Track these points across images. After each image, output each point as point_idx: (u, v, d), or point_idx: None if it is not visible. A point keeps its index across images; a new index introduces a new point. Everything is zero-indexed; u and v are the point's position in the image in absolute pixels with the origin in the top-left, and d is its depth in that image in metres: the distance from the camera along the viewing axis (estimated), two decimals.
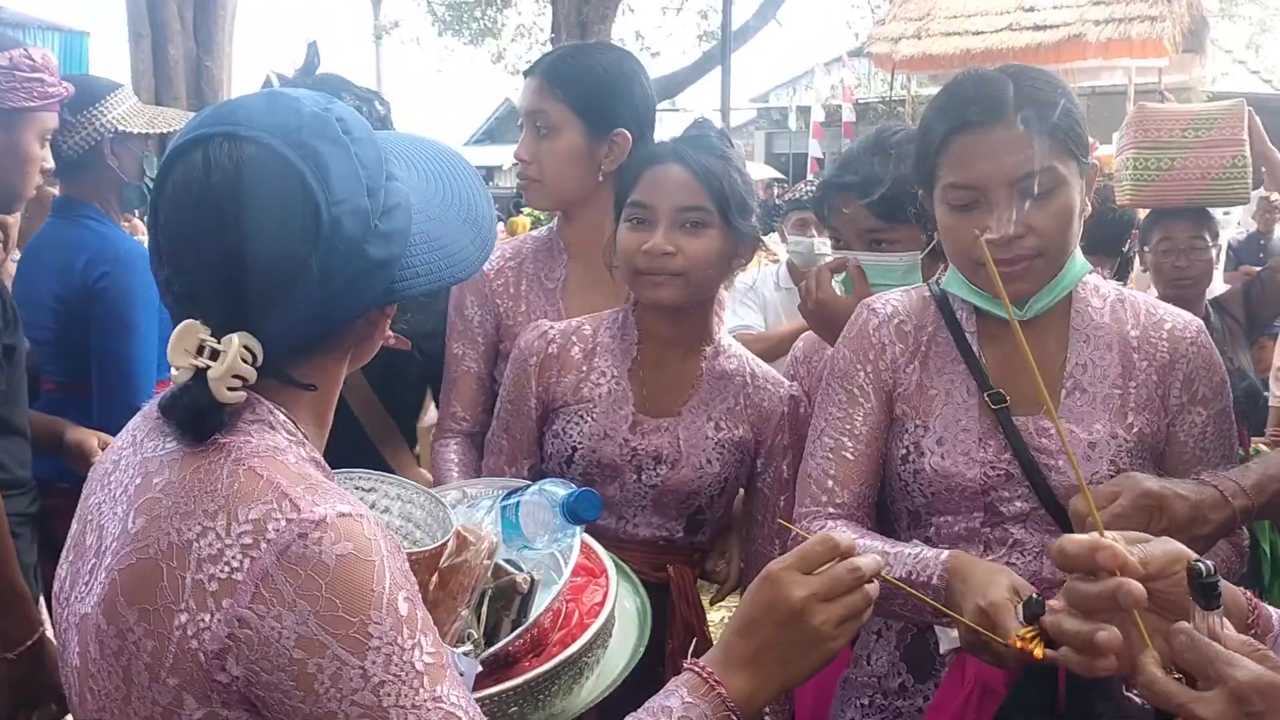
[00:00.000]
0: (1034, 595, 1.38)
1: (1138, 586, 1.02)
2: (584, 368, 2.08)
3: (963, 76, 1.76)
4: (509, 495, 1.53)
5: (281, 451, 1.09)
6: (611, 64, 2.30)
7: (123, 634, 1.04)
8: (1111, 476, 1.65)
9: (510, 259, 2.37)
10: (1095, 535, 1.07)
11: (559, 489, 1.49)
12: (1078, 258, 1.73)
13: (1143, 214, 3.95)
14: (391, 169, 1.14)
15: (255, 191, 1.04)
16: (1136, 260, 4.01)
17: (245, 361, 1.05)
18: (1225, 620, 0.99)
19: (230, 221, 1.03)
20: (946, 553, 1.57)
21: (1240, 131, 3.48)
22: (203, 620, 1.01)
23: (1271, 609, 1.13)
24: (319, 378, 1.15)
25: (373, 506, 1.52)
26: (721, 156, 2.04)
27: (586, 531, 1.79)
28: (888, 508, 1.85)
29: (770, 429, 2.11)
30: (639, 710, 1.18)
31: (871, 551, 1.49)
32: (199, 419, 1.06)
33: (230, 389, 1.05)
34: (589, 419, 2.04)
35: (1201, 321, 1.80)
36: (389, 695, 1.01)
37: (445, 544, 1.38)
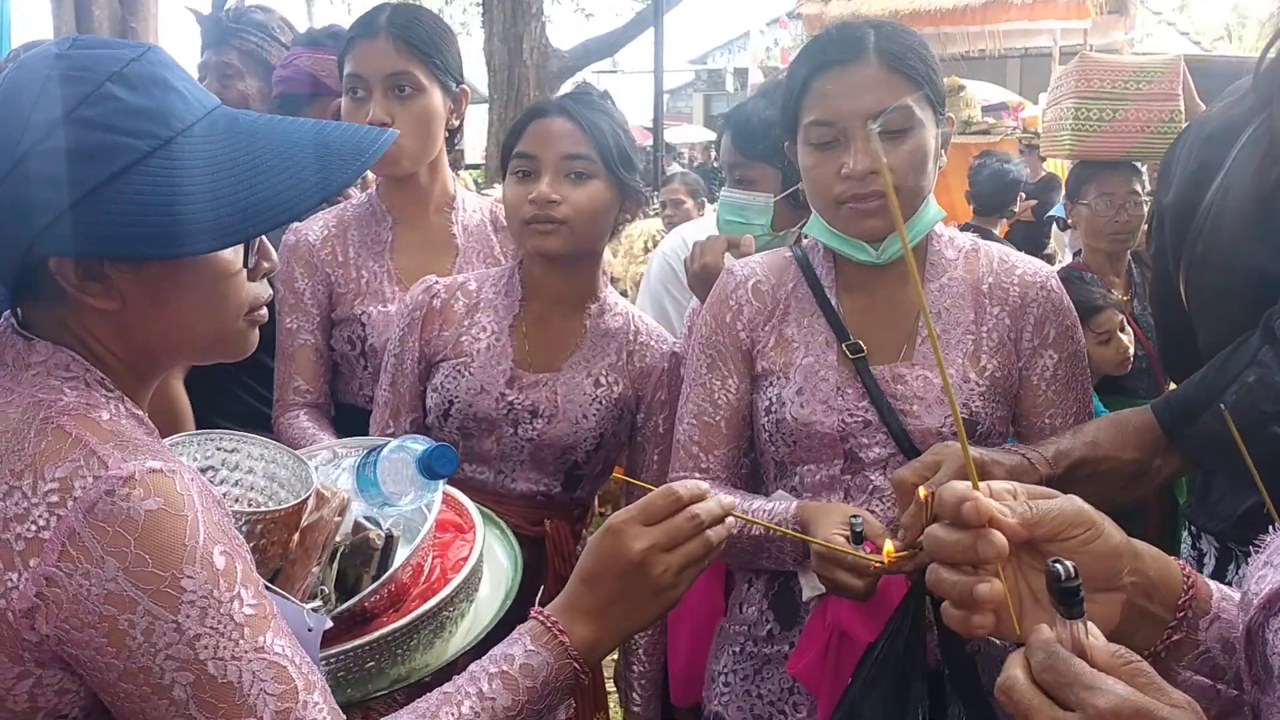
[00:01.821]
0: (852, 517, 1.46)
1: (999, 538, 0.94)
2: (465, 322, 2.09)
3: (829, 27, 1.81)
4: (369, 453, 1.53)
5: (95, 408, 1.08)
6: (438, 17, 2.32)
7: None
8: (965, 419, 1.71)
9: (335, 227, 2.36)
10: (966, 486, 0.98)
11: (418, 444, 1.49)
12: (932, 204, 1.76)
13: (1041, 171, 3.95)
14: (109, 120, 1.07)
15: None
16: (1061, 214, 4.01)
17: None
18: (1094, 629, 0.87)
19: None
20: (795, 504, 1.61)
21: (1176, 86, 3.48)
22: (10, 580, 1.00)
23: (1212, 583, 1.02)
24: (56, 330, 1.12)
25: (236, 467, 1.52)
26: (605, 112, 2.05)
27: (464, 487, 1.80)
28: (758, 460, 1.89)
29: (650, 385, 2.13)
30: (483, 659, 1.20)
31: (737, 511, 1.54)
32: None
33: None
34: (466, 373, 2.05)
35: (1052, 269, 1.86)
36: (206, 648, 1.01)
37: (305, 501, 1.38)
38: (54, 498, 1.01)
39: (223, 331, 1.19)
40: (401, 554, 1.44)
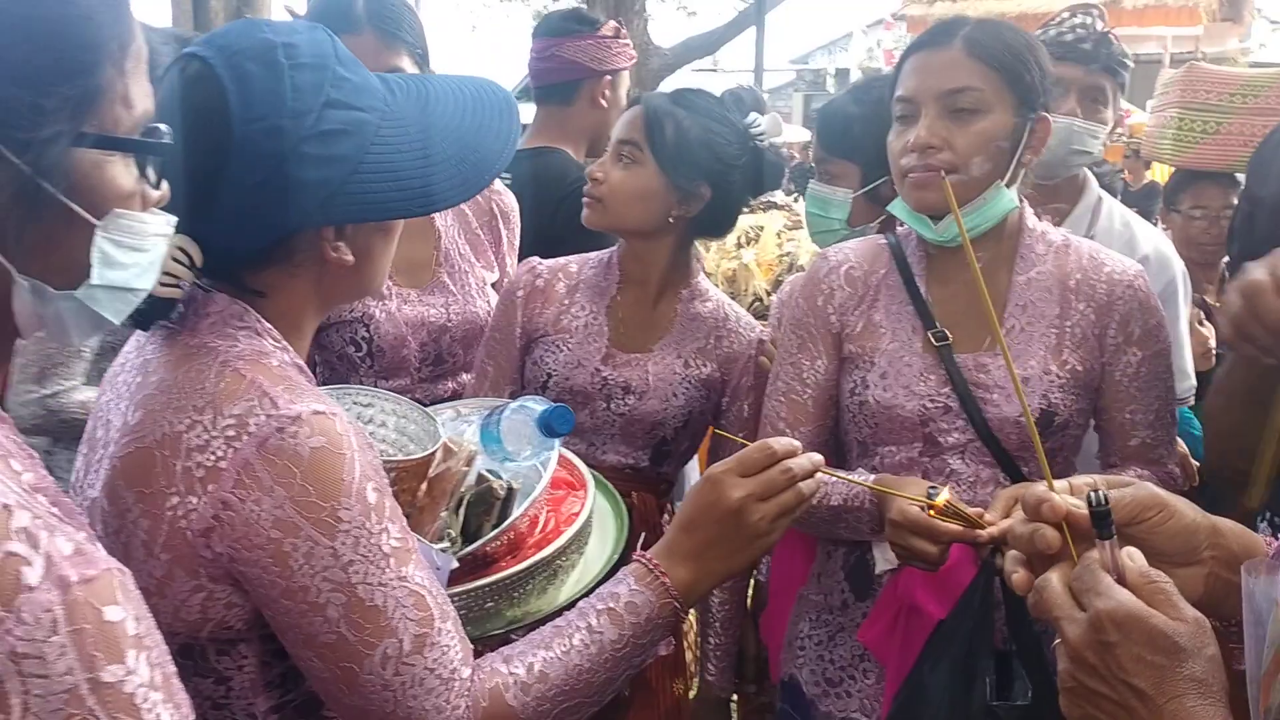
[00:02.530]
0: (930, 487, 1.56)
1: (1050, 532, 1.02)
2: (565, 301, 2.22)
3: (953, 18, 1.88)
4: (492, 412, 1.65)
5: (266, 355, 1.20)
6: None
7: (122, 514, 1.15)
8: (1043, 410, 1.78)
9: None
10: (1043, 489, 1.07)
11: (537, 405, 1.61)
12: (1005, 193, 1.80)
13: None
14: (349, 99, 1.20)
15: (185, 104, 1.13)
16: (1158, 220, 4.00)
17: (179, 262, 1.16)
18: (1134, 553, 0.97)
19: (171, 132, 1.04)
20: (873, 477, 1.69)
21: None
22: (191, 503, 1.11)
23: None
24: (269, 288, 1.24)
25: (370, 420, 1.65)
26: (691, 108, 2.15)
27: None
28: (842, 439, 1.98)
29: (736, 370, 2.24)
30: (590, 597, 1.32)
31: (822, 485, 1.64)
32: (142, 310, 1.14)
33: (164, 284, 1.14)
34: (565, 349, 2.18)
35: (1141, 268, 1.90)
36: (357, 573, 1.12)
37: (433, 454, 1.51)
38: (231, 432, 1.12)
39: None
40: (519, 505, 1.56)
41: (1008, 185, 1.80)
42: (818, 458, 1.36)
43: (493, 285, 2.54)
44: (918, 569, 1.67)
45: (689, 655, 2.42)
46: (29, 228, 0.85)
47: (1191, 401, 2.66)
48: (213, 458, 1.12)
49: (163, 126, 0.96)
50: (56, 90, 0.84)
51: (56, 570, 0.74)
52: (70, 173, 0.86)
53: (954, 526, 1.52)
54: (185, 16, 10.64)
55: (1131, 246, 2.59)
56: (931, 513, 1.52)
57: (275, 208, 1.18)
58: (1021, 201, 1.88)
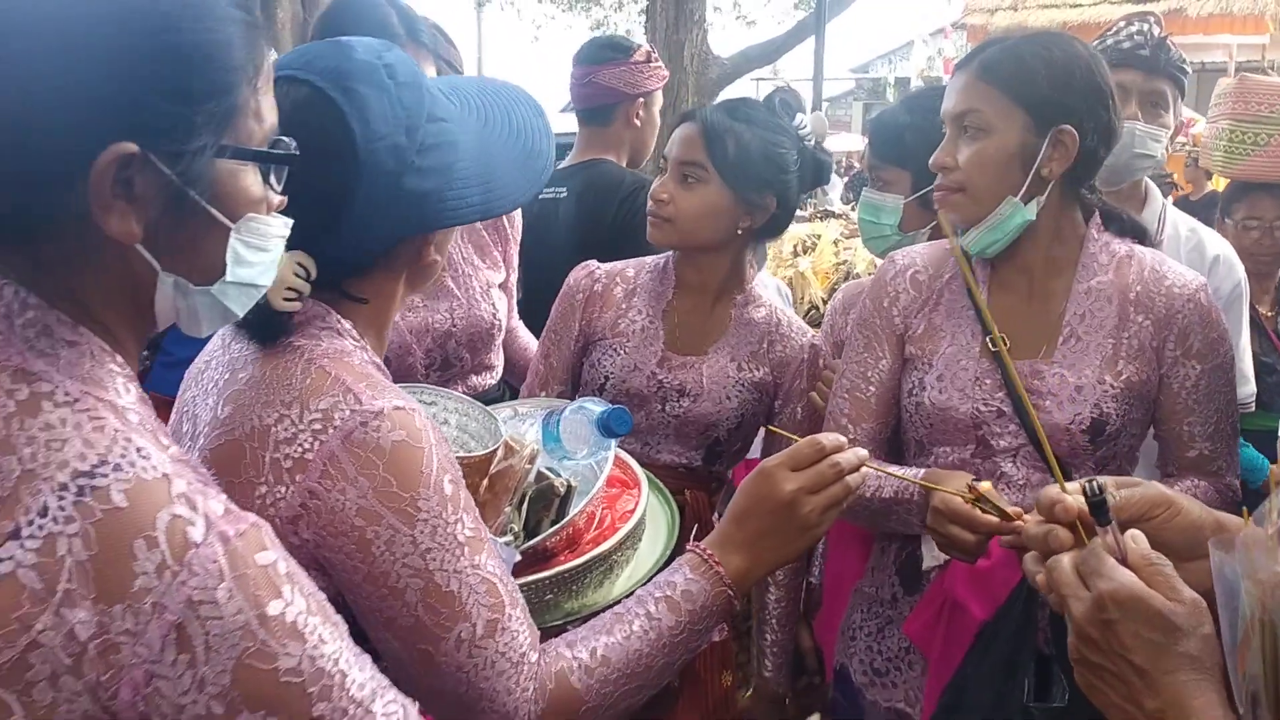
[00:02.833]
0: (973, 479, 1.61)
1: (1063, 532, 1.10)
2: (623, 305, 2.29)
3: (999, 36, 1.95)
4: (552, 412, 1.72)
5: (348, 354, 1.27)
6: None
7: None
8: (1094, 419, 1.81)
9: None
10: (1056, 491, 1.15)
11: (595, 406, 1.68)
12: (1022, 208, 1.84)
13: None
14: (439, 111, 1.29)
15: (301, 127, 1.14)
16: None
17: (298, 276, 1.24)
18: (1138, 536, 1.05)
19: (295, 143, 1.10)
20: (923, 471, 1.74)
21: None
22: (279, 492, 1.18)
23: None
24: (372, 294, 1.33)
25: (433, 418, 1.72)
26: (747, 121, 2.19)
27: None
28: (901, 438, 2.03)
29: (789, 374, 2.29)
30: (647, 585, 1.38)
31: (871, 479, 1.72)
32: (263, 324, 1.25)
33: (286, 299, 1.23)
34: (621, 352, 2.24)
35: (1204, 280, 1.91)
36: (434, 560, 1.19)
37: (495, 451, 1.57)
38: (317, 425, 1.18)
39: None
40: (578, 503, 1.62)
41: (1026, 199, 1.84)
42: (863, 453, 1.41)
43: (499, 285, 2.59)
44: (960, 562, 1.72)
45: (736, 647, 2.48)
46: (175, 231, 0.95)
47: (1252, 407, 2.66)
48: (300, 449, 1.18)
49: (287, 139, 1.05)
50: (204, 108, 0.93)
51: (216, 527, 0.85)
52: (212, 182, 0.96)
53: (991, 518, 1.57)
54: None
55: (1200, 251, 2.61)
56: (971, 494, 1.57)
57: (394, 220, 1.26)
58: (1091, 214, 1.92)
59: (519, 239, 2.69)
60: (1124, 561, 1.02)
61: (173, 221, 0.94)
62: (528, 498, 1.60)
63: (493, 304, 2.44)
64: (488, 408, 1.74)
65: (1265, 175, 3.52)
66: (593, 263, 2.36)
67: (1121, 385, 1.83)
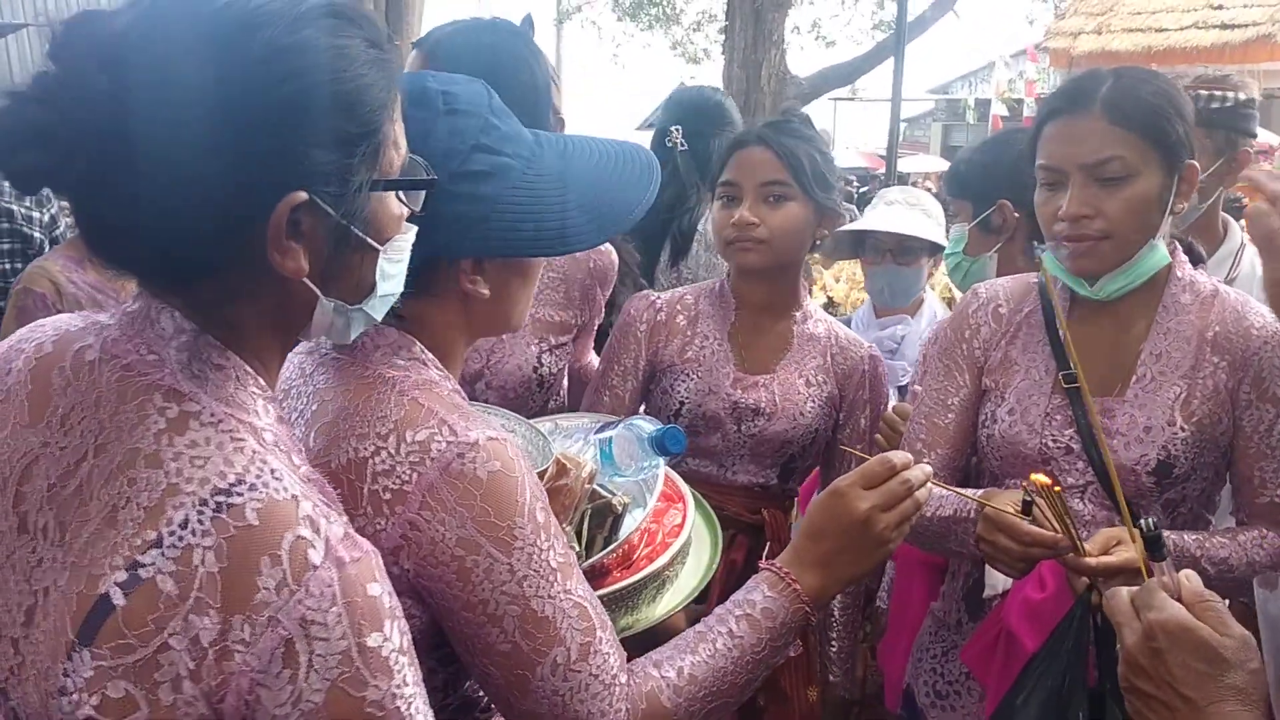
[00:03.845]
0: (1026, 492, 1.63)
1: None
2: (688, 332, 2.31)
3: (1072, 76, 1.92)
4: (602, 429, 1.75)
5: (436, 385, 1.30)
6: (492, 44, 2.21)
7: None
8: (1160, 461, 1.79)
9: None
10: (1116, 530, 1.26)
11: (646, 424, 1.71)
12: (1159, 248, 1.82)
13: None
14: (494, 144, 1.31)
15: None
16: None
17: None
18: (1192, 576, 1.09)
19: (430, 166, 1.19)
20: (980, 492, 1.74)
21: None
22: (379, 524, 1.19)
23: None
24: (419, 318, 1.34)
25: None
26: (802, 138, 2.25)
27: (689, 479, 2.01)
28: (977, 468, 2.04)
29: (853, 385, 2.33)
30: (726, 604, 1.40)
31: (933, 500, 1.74)
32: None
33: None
34: (695, 377, 2.27)
35: None
36: (530, 586, 1.21)
37: (545, 470, 1.61)
38: (415, 457, 1.20)
39: (525, 309, 1.44)
40: (629, 519, 1.65)
41: (1159, 239, 1.82)
42: (928, 469, 1.44)
43: (570, 329, 2.39)
44: (1016, 594, 1.72)
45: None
46: (335, 260, 1.02)
47: None
48: (398, 481, 1.20)
49: (419, 159, 1.12)
50: (358, 149, 1.00)
51: (334, 552, 0.90)
52: (365, 212, 1.03)
53: (1039, 531, 1.58)
54: None
55: None
56: (1025, 485, 1.60)
57: (421, 236, 1.27)
58: (1174, 250, 1.90)
59: (612, 283, 2.51)
60: (1178, 597, 1.05)
61: (333, 255, 1.01)
62: (586, 516, 1.63)
63: (540, 353, 2.29)
64: (531, 422, 1.78)
65: None
66: (651, 293, 2.40)
67: (1193, 428, 1.80)
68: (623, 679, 1.28)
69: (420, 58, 2.23)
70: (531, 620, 1.21)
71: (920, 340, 2.88)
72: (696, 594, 1.64)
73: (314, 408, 1.30)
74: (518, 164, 1.33)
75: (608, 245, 2.41)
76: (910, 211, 2.99)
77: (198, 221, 0.93)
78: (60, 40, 0.91)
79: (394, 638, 0.91)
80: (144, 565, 0.86)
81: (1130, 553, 1.60)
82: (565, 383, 2.48)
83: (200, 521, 0.88)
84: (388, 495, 1.20)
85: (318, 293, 1.02)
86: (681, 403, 2.27)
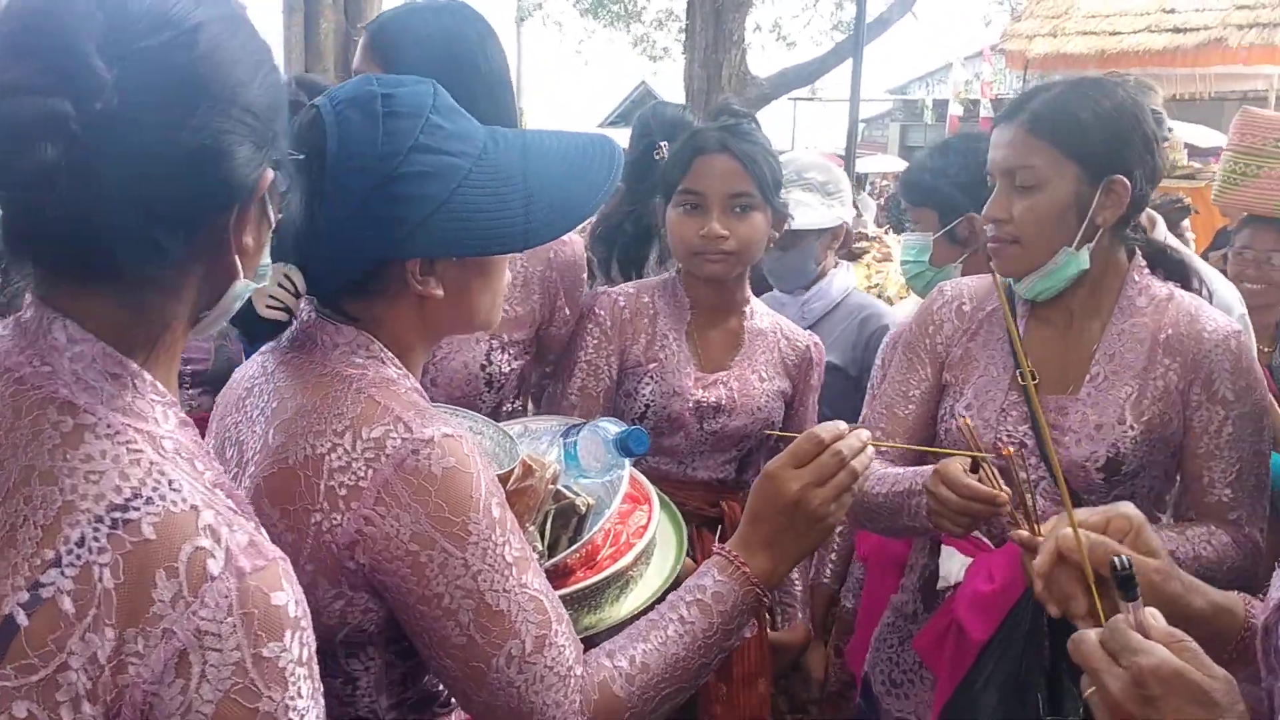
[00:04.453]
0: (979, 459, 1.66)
1: (1080, 604, 1.17)
2: (650, 331, 2.34)
3: (1036, 84, 1.98)
4: (568, 431, 1.77)
5: (393, 383, 1.31)
6: (441, 28, 2.12)
7: (266, 529, 1.25)
8: (1109, 458, 1.84)
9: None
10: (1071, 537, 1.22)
11: (612, 426, 1.73)
12: (1078, 256, 1.87)
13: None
14: (437, 144, 1.30)
15: (297, 145, 1.19)
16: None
17: (283, 287, 1.29)
18: (1157, 615, 1.06)
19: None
20: (933, 465, 1.78)
21: None
22: (335, 519, 1.22)
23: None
24: (374, 319, 1.34)
25: None
26: (759, 143, 2.29)
27: (650, 476, 2.03)
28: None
29: (801, 374, 2.42)
30: (678, 590, 1.42)
31: (886, 478, 1.82)
32: (248, 326, 1.30)
33: (270, 307, 1.28)
34: (658, 379, 2.30)
35: (1240, 329, 1.92)
36: (485, 581, 1.23)
37: (511, 471, 1.62)
38: (370, 454, 1.22)
39: (494, 308, 1.44)
40: (595, 520, 1.67)
41: (1079, 247, 1.87)
42: (865, 434, 1.44)
43: (533, 329, 2.32)
44: (966, 585, 1.76)
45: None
46: (252, 241, 1.02)
47: None
48: (354, 478, 1.22)
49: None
50: (276, 122, 1.01)
51: (235, 561, 0.90)
52: (268, 194, 1.03)
53: (978, 485, 1.62)
54: (297, 36, 10.96)
55: None
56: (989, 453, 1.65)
57: (362, 239, 1.29)
58: (1133, 254, 1.95)
59: (577, 297, 2.39)
60: (1146, 637, 1.03)
61: (254, 233, 1.02)
62: (550, 516, 1.65)
63: (489, 350, 2.22)
64: (500, 424, 1.79)
65: (1252, 206, 3.60)
66: (612, 290, 2.41)
67: (1142, 427, 1.85)
68: (578, 671, 1.30)
69: (365, 42, 2.16)
70: (487, 614, 1.23)
71: (837, 299, 2.98)
72: (660, 594, 1.66)
73: (274, 405, 1.32)
74: (465, 162, 1.32)
75: (573, 237, 2.39)
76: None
77: (187, 205, 0.93)
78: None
79: (293, 649, 0.91)
80: (44, 585, 0.86)
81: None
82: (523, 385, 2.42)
83: (96, 539, 0.87)
84: (344, 491, 1.22)
85: (239, 272, 1.01)
86: (647, 405, 2.30)
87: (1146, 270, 1.96)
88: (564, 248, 2.32)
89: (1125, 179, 1.84)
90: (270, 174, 0.98)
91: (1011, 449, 1.67)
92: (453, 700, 1.41)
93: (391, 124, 1.29)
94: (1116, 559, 1.07)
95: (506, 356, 2.23)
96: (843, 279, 3.06)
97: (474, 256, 1.35)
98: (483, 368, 2.20)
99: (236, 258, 0.99)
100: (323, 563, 1.24)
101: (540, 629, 1.26)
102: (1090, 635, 1.05)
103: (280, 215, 1.07)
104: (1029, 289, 1.92)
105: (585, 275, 2.42)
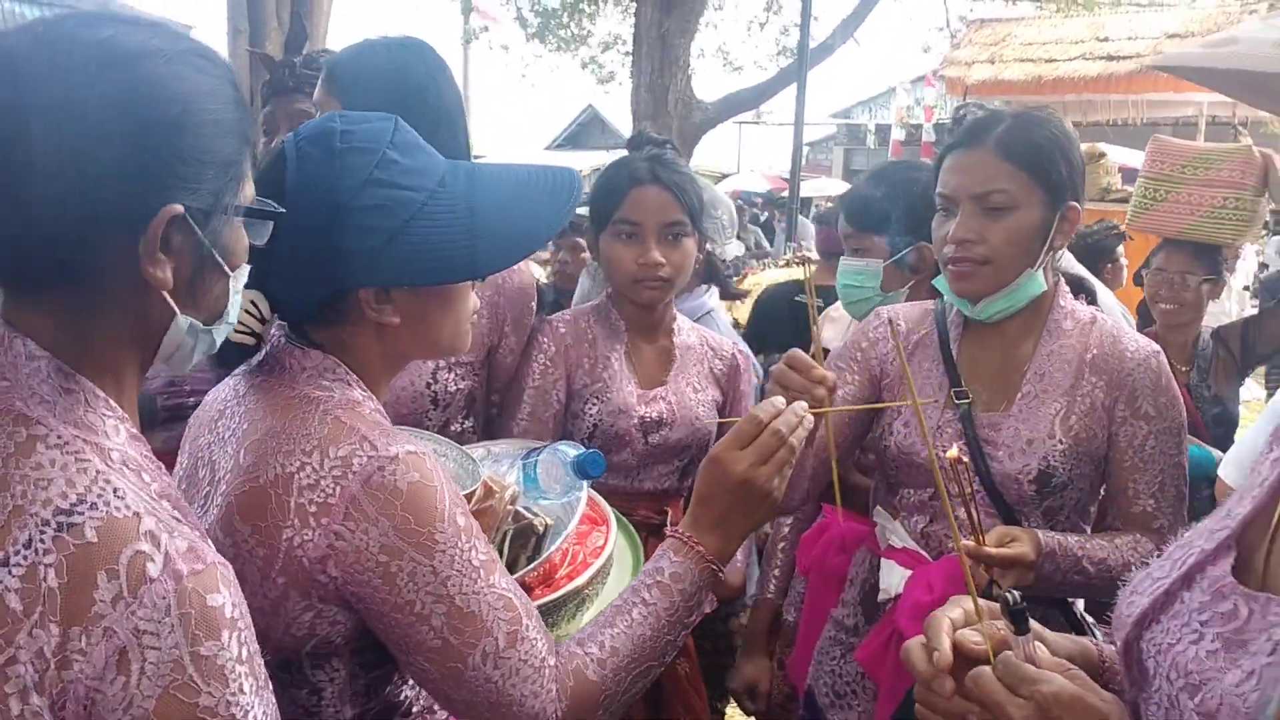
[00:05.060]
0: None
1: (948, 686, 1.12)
2: (592, 355, 2.44)
3: (983, 111, 2.06)
4: (528, 455, 1.82)
5: (359, 404, 1.37)
6: (395, 64, 2.21)
7: (238, 544, 1.31)
8: (1040, 470, 1.94)
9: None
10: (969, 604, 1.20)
11: (570, 449, 1.78)
12: (1037, 277, 1.98)
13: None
14: (391, 178, 1.36)
15: (261, 180, 1.26)
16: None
17: (250, 314, 1.35)
18: (1041, 645, 1.12)
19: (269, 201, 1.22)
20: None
21: (1245, 176, 3.62)
22: (306, 535, 1.27)
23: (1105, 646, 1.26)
24: (338, 344, 1.41)
25: None
26: (684, 172, 2.41)
27: (600, 490, 2.09)
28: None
29: (730, 381, 2.56)
30: (639, 576, 1.48)
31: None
32: (219, 352, 1.32)
33: (239, 333, 1.34)
34: (603, 399, 2.40)
35: (1159, 348, 2.02)
36: (454, 585, 1.29)
37: (473, 492, 1.67)
38: (338, 471, 1.28)
39: (458, 334, 1.49)
40: (553, 540, 1.72)
41: (1038, 269, 1.97)
42: (802, 406, 1.50)
43: (485, 351, 2.40)
44: (906, 596, 1.85)
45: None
46: (193, 280, 1.08)
47: None
48: (323, 495, 1.27)
49: (266, 199, 1.18)
50: (226, 174, 1.07)
51: (173, 565, 0.94)
52: (224, 238, 1.09)
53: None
54: (241, 60, 10.89)
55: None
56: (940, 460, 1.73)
57: (318, 269, 1.36)
58: (1058, 281, 2.05)
59: (527, 323, 2.47)
60: (1037, 667, 1.08)
61: (193, 271, 1.07)
62: (508, 536, 1.70)
63: (435, 369, 2.28)
64: (463, 448, 1.84)
65: (1160, 229, 3.74)
66: (552, 317, 2.50)
67: (1071, 440, 1.95)
68: (551, 661, 1.36)
69: (324, 76, 2.24)
70: (458, 616, 1.29)
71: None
72: None
73: (245, 426, 1.37)
74: (420, 195, 1.38)
75: (523, 265, 2.45)
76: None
77: (81, 227, 0.98)
78: None
79: (232, 647, 0.95)
80: None
81: (1025, 547, 1.75)
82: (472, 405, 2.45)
83: (43, 541, 0.92)
84: (313, 508, 1.27)
85: (175, 310, 1.06)
86: (594, 424, 2.38)
87: (1069, 294, 2.07)
88: (513, 275, 2.40)
89: (1078, 206, 1.96)
90: (175, 209, 1.01)
91: (953, 453, 1.74)
92: (414, 710, 1.47)
93: (347, 159, 1.36)
94: (1009, 594, 1.12)
95: (453, 376, 2.30)
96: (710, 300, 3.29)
97: (425, 286, 1.41)
98: (428, 385, 2.27)
99: (166, 295, 1.04)
100: (294, 576, 1.29)
101: (511, 625, 1.32)
102: (987, 671, 1.09)
103: (236, 260, 1.12)
104: (985, 310, 1.99)
105: (533, 304, 2.49)
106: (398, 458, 1.29)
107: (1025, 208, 1.92)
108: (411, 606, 1.28)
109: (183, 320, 1.07)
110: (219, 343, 1.15)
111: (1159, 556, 1.14)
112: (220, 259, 1.09)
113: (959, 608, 1.17)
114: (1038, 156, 1.91)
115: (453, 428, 2.33)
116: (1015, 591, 1.13)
